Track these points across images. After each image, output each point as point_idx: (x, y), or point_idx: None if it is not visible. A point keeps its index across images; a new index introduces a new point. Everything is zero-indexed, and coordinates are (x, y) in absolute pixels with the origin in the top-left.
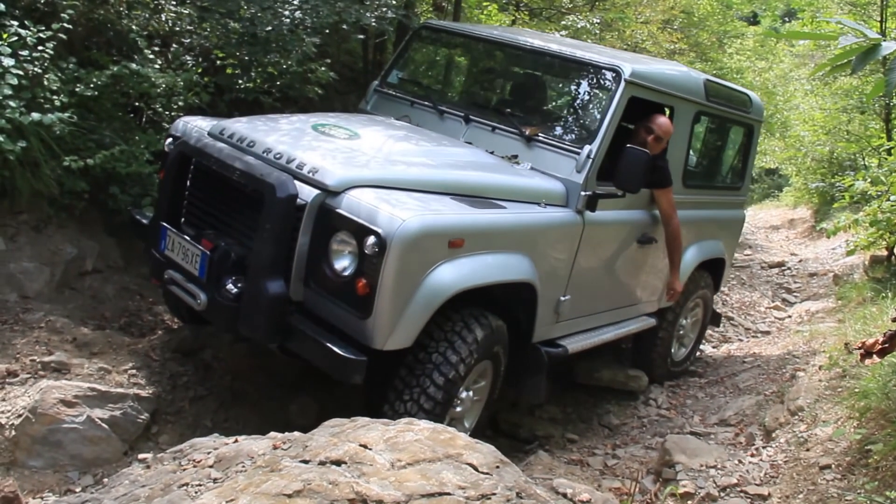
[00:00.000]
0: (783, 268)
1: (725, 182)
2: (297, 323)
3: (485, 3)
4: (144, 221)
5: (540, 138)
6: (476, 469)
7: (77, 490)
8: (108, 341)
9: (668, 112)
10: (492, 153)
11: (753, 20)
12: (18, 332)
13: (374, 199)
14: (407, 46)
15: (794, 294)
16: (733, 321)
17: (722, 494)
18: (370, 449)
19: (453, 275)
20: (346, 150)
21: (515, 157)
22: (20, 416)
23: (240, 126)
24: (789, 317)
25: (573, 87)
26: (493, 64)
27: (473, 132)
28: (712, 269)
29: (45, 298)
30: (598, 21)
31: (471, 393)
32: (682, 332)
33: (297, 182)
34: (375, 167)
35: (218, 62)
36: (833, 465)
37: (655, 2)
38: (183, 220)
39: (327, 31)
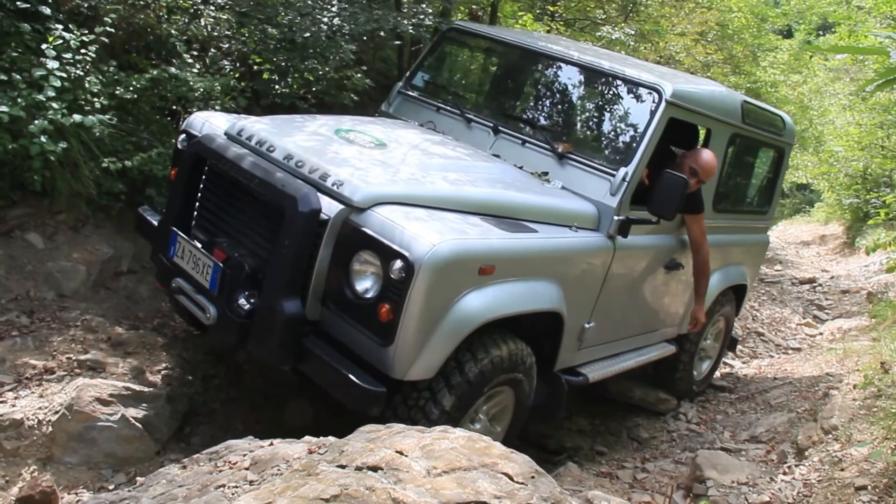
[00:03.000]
0: (814, 284)
1: (752, 205)
2: (312, 346)
3: (520, 14)
4: (154, 222)
5: (573, 156)
6: (511, 479)
7: (110, 487)
8: (142, 341)
9: (703, 133)
10: (520, 168)
11: (788, 34)
12: (55, 329)
13: (402, 219)
14: (435, 48)
15: (826, 311)
16: (763, 337)
17: None
18: (406, 456)
19: (481, 303)
20: (371, 161)
21: (546, 174)
22: (57, 412)
23: (259, 128)
24: (821, 334)
25: (610, 104)
26: (525, 72)
27: (501, 144)
28: (734, 292)
29: (81, 297)
30: (634, 32)
31: (485, 419)
32: (703, 353)
33: (319, 195)
34: (403, 182)
35: (255, 67)
36: (869, 487)
37: (691, 14)
38: (194, 223)
39: (364, 38)
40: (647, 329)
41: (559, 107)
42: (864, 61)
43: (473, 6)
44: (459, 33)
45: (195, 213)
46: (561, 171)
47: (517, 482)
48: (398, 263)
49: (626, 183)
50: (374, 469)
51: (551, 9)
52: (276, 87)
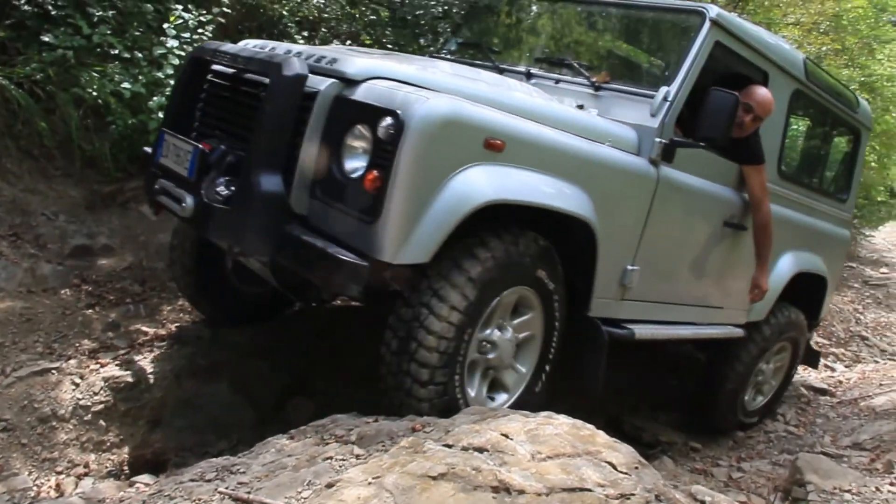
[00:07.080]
0: None
1: (828, 190)
2: (292, 230)
3: None
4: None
5: (609, 86)
6: (615, 468)
7: (213, 453)
8: None
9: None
10: None
11: None
12: (165, 299)
13: (399, 87)
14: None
15: None
16: (868, 342)
17: None
18: (511, 439)
19: (487, 182)
20: (380, 57)
21: (581, 106)
22: (166, 378)
23: (267, 41)
24: None
25: (650, 36)
26: (557, 15)
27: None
28: (809, 296)
29: None
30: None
31: (507, 333)
32: (760, 379)
33: (312, 75)
34: (411, 68)
35: (365, 45)
36: None
37: (806, 3)
38: (194, 134)
39: None
40: (710, 302)
41: (594, 45)
42: None
43: None
44: None
45: (195, 121)
46: (597, 102)
47: (621, 472)
48: (387, 121)
49: (668, 102)
50: (480, 450)
51: None
52: None
